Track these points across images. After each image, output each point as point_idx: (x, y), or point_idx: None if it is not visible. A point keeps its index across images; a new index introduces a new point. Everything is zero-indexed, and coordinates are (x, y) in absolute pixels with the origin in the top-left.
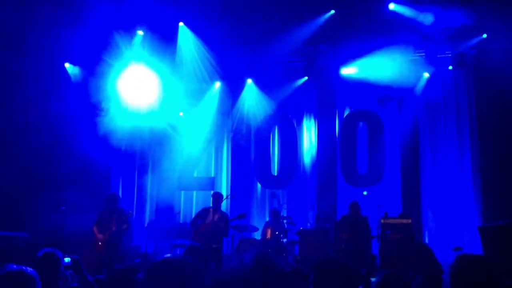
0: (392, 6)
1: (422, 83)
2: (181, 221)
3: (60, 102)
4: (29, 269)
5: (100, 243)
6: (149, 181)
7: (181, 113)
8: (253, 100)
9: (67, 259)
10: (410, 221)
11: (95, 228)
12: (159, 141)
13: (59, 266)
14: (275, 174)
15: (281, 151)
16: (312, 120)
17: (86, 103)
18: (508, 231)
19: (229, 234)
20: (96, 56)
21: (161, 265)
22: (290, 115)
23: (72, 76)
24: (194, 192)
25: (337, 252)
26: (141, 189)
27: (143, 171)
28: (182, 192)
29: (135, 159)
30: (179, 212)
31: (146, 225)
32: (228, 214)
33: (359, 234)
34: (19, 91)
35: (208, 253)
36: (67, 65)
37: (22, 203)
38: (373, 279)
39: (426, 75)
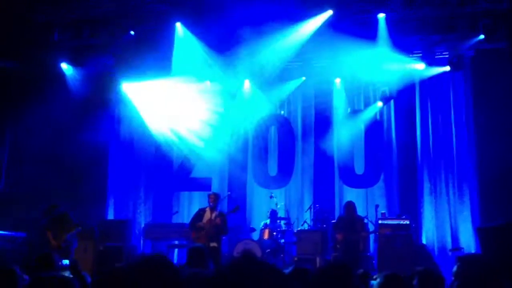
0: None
1: (418, 82)
2: (178, 222)
3: None
4: None
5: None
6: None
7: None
8: (250, 100)
9: (65, 261)
10: (408, 221)
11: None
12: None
13: (15, 284)
14: (273, 175)
15: (279, 151)
16: (310, 120)
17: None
18: (505, 232)
19: (227, 232)
20: None
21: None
22: (287, 116)
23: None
24: (192, 193)
25: (334, 252)
26: (138, 189)
27: (139, 171)
28: (180, 192)
29: (133, 159)
30: (176, 212)
31: (143, 225)
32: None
33: (355, 234)
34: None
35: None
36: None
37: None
38: (373, 282)
39: (422, 67)
